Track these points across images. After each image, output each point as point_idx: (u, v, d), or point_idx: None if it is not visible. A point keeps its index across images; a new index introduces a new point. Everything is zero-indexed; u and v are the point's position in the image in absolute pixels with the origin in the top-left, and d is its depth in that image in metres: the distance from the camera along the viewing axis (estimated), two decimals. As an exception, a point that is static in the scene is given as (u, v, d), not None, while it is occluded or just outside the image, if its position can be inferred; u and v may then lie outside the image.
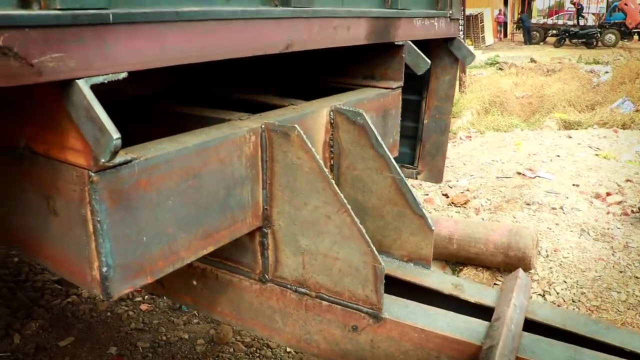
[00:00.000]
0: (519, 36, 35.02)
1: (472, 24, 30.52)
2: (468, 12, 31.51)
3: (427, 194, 6.89)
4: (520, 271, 2.07)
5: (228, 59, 1.55)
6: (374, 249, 1.70)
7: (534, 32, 32.37)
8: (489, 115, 13.18)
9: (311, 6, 1.84)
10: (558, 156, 8.32)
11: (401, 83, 2.53)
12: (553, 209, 6.20)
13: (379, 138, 1.95)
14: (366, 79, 2.57)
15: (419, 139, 3.34)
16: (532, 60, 22.12)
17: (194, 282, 2.11)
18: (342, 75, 2.61)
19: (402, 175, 1.98)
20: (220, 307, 2.10)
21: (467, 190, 7.02)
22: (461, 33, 13.80)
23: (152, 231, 1.45)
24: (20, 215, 1.59)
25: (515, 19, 39.01)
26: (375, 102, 2.35)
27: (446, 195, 6.85)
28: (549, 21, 34.79)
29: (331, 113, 2.04)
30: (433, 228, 2.00)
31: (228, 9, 1.51)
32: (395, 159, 2.59)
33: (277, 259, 1.89)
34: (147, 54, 1.31)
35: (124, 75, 1.26)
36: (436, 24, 2.82)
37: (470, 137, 10.60)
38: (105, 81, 1.23)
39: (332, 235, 1.73)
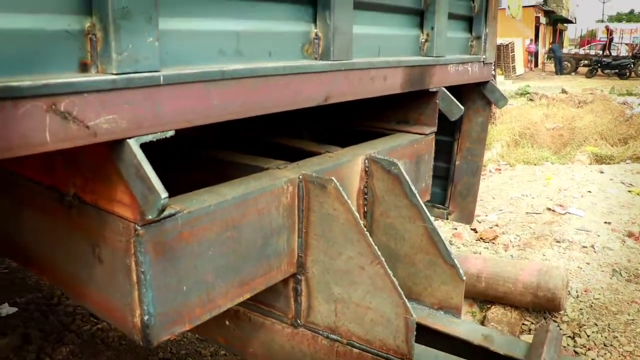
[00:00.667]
0: (550, 66, 34.83)
1: (503, 53, 30.50)
2: (499, 41, 31.48)
3: (456, 228, 6.85)
4: (552, 324, 2.05)
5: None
6: (406, 301, 1.71)
7: (566, 62, 32.15)
8: (519, 147, 13.09)
9: (350, 58, 1.89)
10: (589, 192, 8.21)
11: (434, 129, 2.56)
12: (584, 247, 6.11)
13: (413, 188, 1.98)
14: (400, 124, 2.61)
15: (450, 179, 3.35)
16: (563, 91, 21.94)
17: (227, 323, 2.15)
18: (375, 119, 2.65)
19: (434, 225, 2.00)
20: (252, 348, 2.13)
21: (496, 225, 6.96)
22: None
23: (191, 280, 1.49)
24: (66, 258, 1.65)
25: (547, 48, 38.85)
26: (409, 149, 2.38)
27: (475, 230, 6.80)
28: (581, 51, 34.53)
29: (366, 161, 2.08)
30: (464, 278, 2.01)
31: (270, 66, 1.57)
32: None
33: (309, 305, 1.92)
34: (193, 112, 1.37)
35: (171, 133, 1.32)
36: (470, 68, 2.85)
37: (500, 169, 10.54)
38: (154, 139, 1.29)
39: (365, 286, 1.76)
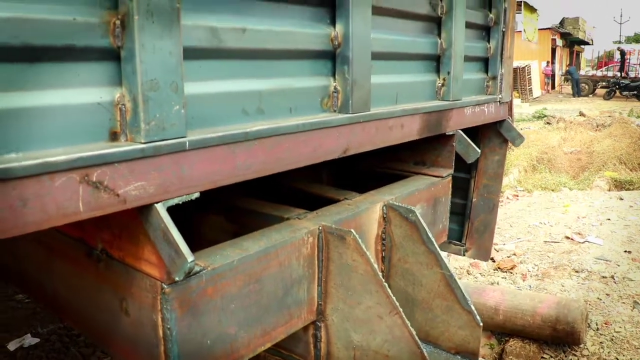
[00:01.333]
0: (567, 88, 34.69)
1: (519, 76, 30.48)
2: (515, 64, 31.50)
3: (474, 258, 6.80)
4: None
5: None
6: (424, 350, 1.74)
7: (583, 84, 32.00)
8: (536, 172, 13.01)
9: (368, 109, 1.94)
10: (608, 219, 8.14)
11: (451, 171, 2.60)
12: (603, 277, 6.05)
13: (430, 235, 2.01)
14: (417, 165, 2.65)
15: (467, 216, 3.37)
16: (581, 114, 21.83)
17: (247, 366, 2.18)
18: (393, 160, 2.70)
19: (451, 272, 2.02)
20: (271, 392, 2.16)
21: (514, 254, 6.92)
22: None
23: (215, 334, 1.53)
24: (93, 308, 1.70)
25: (563, 70, 38.73)
26: (426, 193, 2.42)
27: (492, 259, 6.76)
28: (598, 73, 34.33)
29: (384, 208, 2.12)
30: (481, 324, 2.03)
31: (292, 124, 1.62)
32: None
33: (329, 351, 1.95)
34: (218, 173, 1.42)
35: (196, 195, 1.37)
36: (486, 109, 2.89)
37: (518, 196, 10.49)
38: (180, 202, 1.34)
39: (384, 334, 1.79)
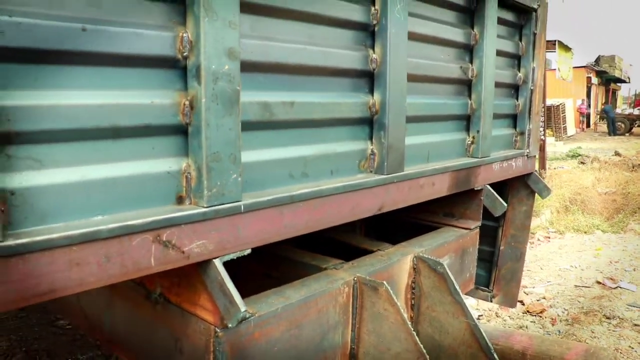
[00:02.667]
0: (603, 126, 34.28)
1: (554, 114, 30.27)
2: (549, 102, 31.32)
3: (504, 301, 6.82)
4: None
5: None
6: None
7: (619, 123, 31.61)
8: (569, 213, 12.91)
9: (402, 170, 2.12)
10: (643, 265, 8.06)
11: (479, 223, 2.74)
12: (636, 325, 6.00)
13: (457, 286, 2.16)
14: (446, 217, 2.81)
15: (494, 263, 3.49)
16: (617, 154, 21.56)
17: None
18: (423, 212, 2.86)
19: (476, 321, 2.16)
20: None
21: (544, 297, 6.91)
22: (542, 123, 13.80)
23: (259, 374, 1.70)
24: (149, 346, 1.89)
25: (599, 109, 38.33)
26: (454, 244, 2.57)
27: (522, 302, 6.76)
28: (635, 111, 33.87)
29: (414, 259, 2.28)
30: (505, 371, 2.15)
31: (332, 186, 1.81)
32: None
33: (360, 392, 2.09)
34: (268, 232, 1.61)
35: (248, 251, 1.56)
36: (514, 163, 3.04)
37: (549, 237, 10.43)
38: (235, 257, 1.53)
39: (412, 379, 1.93)
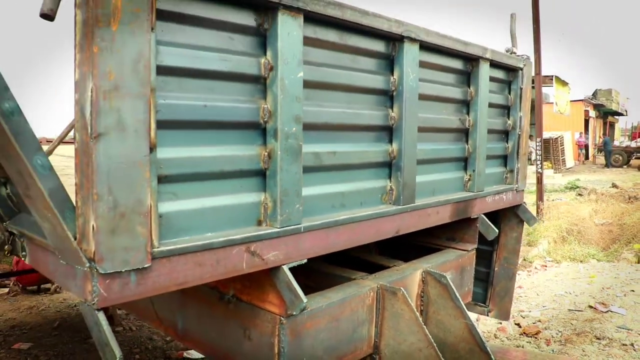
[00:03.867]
0: (601, 158, 34.87)
1: (552, 147, 30.84)
2: (548, 135, 31.92)
3: (501, 323, 7.32)
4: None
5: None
6: (452, 376, 2.45)
7: (617, 155, 32.21)
8: (566, 243, 13.39)
9: (414, 202, 2.73)
10: (632, 291, 8.51)
11: (475, 245, 3.34)
12: (624, 344, 6.46)
13: (457, 294, 2.74)
14: (448, 240, 3.40)
15: (490, 282, 4.07)
16: (614, 185, 22.08)
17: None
18: (429, 236, 3.45)
19: (472, 322, 2.74)
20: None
21: (539, 320, 7.37)
22: (539, 156, 14.30)
23: (309, 354, 2.28)
24: (220, 337, 2.47)
25: (597, 141, 38.97)
26: (455, 262, 3.17)
27: (518, 325, 7.25)
28: (633, 144, 34.48)
29: (423, 273, 2.87)
30: (495, 361, 2.72)
31: (363, 214, 2.42)
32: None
33: (381, 378, 2.66)
34: (318, 247, 2.21)
35: (304, 261, 2.15)
36: (504, 196, 3.65)
37: (546, 266, 10.91)
38: (296, 264, 2.12)
39: (422, 364, 2.50)
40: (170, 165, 1.76)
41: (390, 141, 2.66)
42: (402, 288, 2.50)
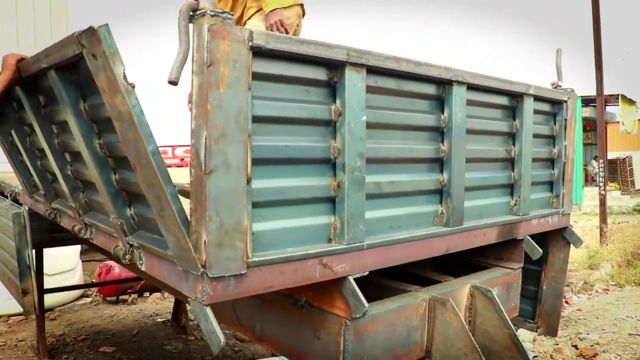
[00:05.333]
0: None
1: (620, 167, 30.03)
2: (615, 155, 31.08)
3: (557, 344, 7.46)
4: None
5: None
6: (495, 378, 2.80)
7: (689, 178, 31.07)
8: (630, 267, 13.17)
9: (462, 224, 3.12)
10: (698, 316, 8.44)
11: (521, 265, 3.67)
12: (683, 370, 6.51)
13: (501, 307, 3.09)
14: (496, 260, 3.75)
15: (539, 300, 4.37)
16: (685, 208, 21.40)
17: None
18: (478, 255, 3.80)
19: (515, 332, 3.07)
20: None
21: (597, 343, 7.43)
22: (601, 178, 14.11)
23: (369, 353, 2.69)
24: (292, 338, 2.91)
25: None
26: (501, 279, 3.51)
27: (576, 347, 7.36)
28: None
29: (471, 288, 3.24)
30: (537, 369, 3.03)
31: (417, 234, 2.83)
32: (519, 315, 3.71)
33: (432, 379, 3.04)
34: (379, 262, 2.64)
35: (366, 273, 2.58)
36: (550, 220, 3.96)
37: (608, 290, 10.84)
38: (359, 276, 2.54)
39: (469, 367, 2.87)
40: (261, 194, 2.23)
41: (441, 171, 3.06)
42: (450, 299, 2.88)
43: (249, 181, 2.12)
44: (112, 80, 2.08)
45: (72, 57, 2.34)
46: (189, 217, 2.09)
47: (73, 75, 2.64)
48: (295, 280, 2.32)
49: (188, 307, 7.85)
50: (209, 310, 2.07)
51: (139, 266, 2.57)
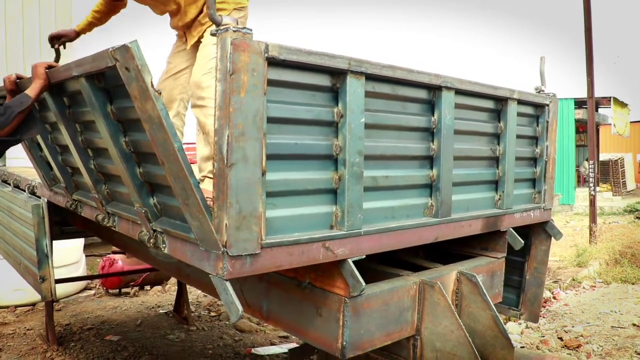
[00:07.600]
0: (665, 181, 34.12)
1: (612, 169, 30.37)
2: (607, 156, 31.47)
3: (544, 336, 7.78)
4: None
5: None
6: (476, 351, 3.13)
7: (680, 179, 31.50)
8: (618, 266, 13.47)
9: (450, 215, 3.46)
10: (680, 312, 8.76)
11: (504, 254, 4.02)
12: (664, 361, 6.83)
13: (485, 291, 3.44)
14: (481, 250, 4.10)
15: (522, 289, 4.73)
16: (677, 209, 21.77)
17: (370, 366, 3.63)
18: (464, 245, 4.15)
19: (497, 313, 3.41)
20: (383, 383, 3.58)
21: (581, 335, 7.74)
22: (592, 178, 14.43)
23: (365, 328, 3.02)
24: (296, 315, 3.25)
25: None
26: (486, 267, 3.86)
27: (561, 339, 7.67)
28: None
29: (458, 273, 3.58)
30: (514, 345, 3.37)
31: (408, 224, 3.17)
32: (503, 302, 4.06)
33: (421, 354, 3.37)
34: (375, 246, 2.99)
35: (364, 256, 2.91)
36: (532, 214, 4.31)
37: (595, 286, 11.15)
38: (357, 259, 2.88)
39: (454, 342, 3.20)
40: (273, 185, 2.56)
41: (431, 167, 3.40)
42: (438, 282, 3.22)
43: (263, 173, 2.45)
44: (144, 89, 2.42)
45: (105, 68, 2.67)
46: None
47: (102, 83, 2.96)
48: (301, 260, 2.66)
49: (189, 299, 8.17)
50: (228, 285, 2.40)
51: (162, 249, 2.90)
